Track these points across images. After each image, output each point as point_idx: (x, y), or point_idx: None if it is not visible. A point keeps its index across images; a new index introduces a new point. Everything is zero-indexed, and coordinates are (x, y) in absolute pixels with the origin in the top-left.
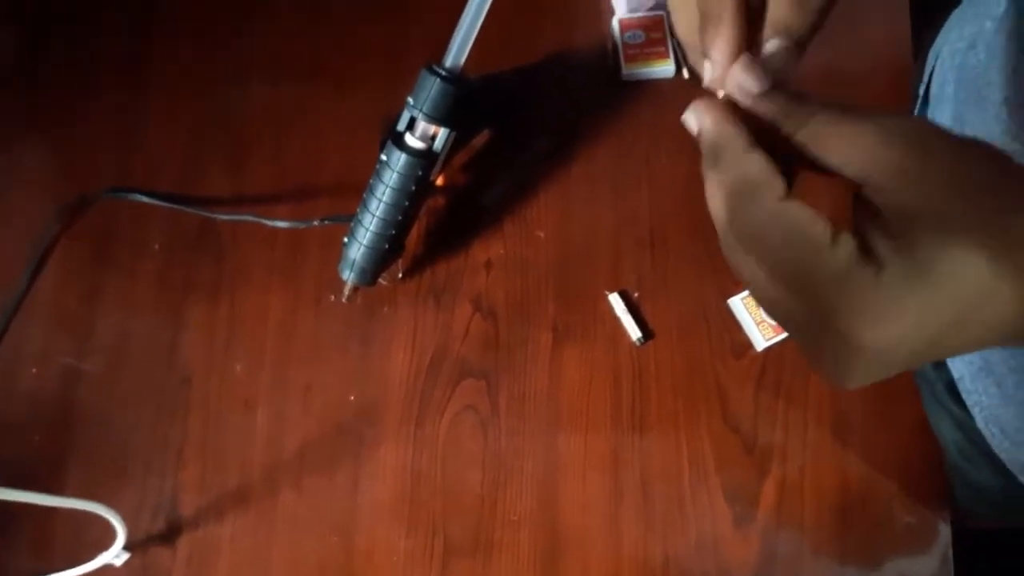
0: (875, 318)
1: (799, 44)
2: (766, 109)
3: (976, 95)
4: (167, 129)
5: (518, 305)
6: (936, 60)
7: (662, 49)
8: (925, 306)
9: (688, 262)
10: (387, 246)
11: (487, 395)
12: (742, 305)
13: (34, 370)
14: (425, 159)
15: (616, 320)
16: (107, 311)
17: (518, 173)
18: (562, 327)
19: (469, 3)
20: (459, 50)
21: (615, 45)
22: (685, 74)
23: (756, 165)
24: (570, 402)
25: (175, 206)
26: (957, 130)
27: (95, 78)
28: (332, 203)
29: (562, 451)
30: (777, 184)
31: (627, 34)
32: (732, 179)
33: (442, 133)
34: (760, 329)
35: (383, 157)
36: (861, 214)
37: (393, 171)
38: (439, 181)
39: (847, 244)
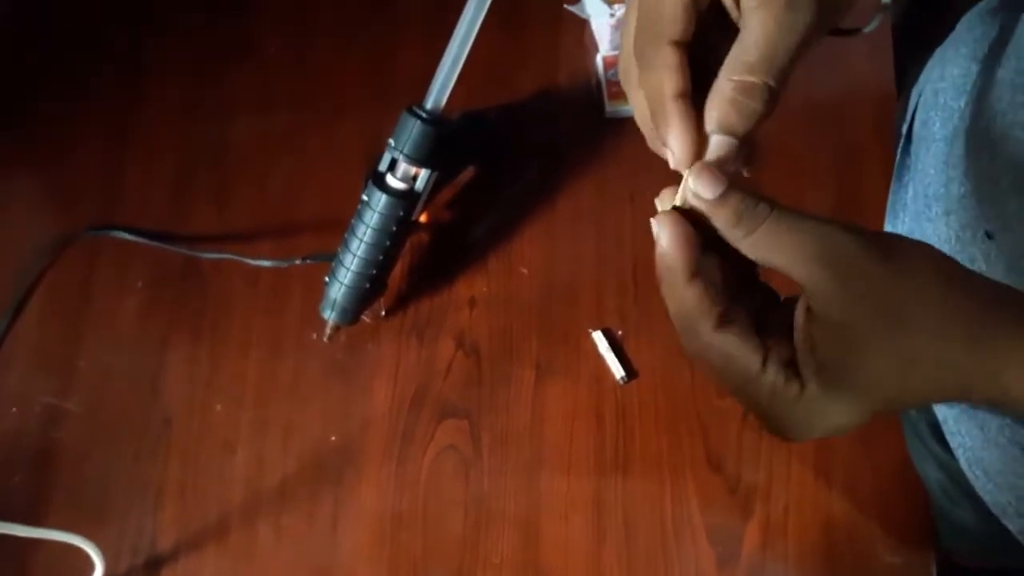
0: (798, 427)
1: (770, 98)
2: (719, 214)
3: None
4: (153, 166)
5: (501, 342)
6: (919, 99)
7: None
8: (842, 414)
9: None
10: (368, 285)
11: (469, 435)
12: None
13: (14, 409)
14: (406, 199)
15: (600, 358)
16: (89, 350)
17: (501, 208)
18: (545, 365)
19: (450, 45)
20: (440, 91)
21: (599, 82)
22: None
23: (693, 298)
24: (553, 441)
25: (157, 243)
26: (945, 173)
27: (83, 116)
28: (316, 240)
29: (544, 491)
30: (712, 316)
31: (611, 71)
32: (674, 308)
33: (423, 174)
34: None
35: (364, 197)
36: (802, 312)
37: (374, 211)
38: (423, 218)
39: (772, 370)
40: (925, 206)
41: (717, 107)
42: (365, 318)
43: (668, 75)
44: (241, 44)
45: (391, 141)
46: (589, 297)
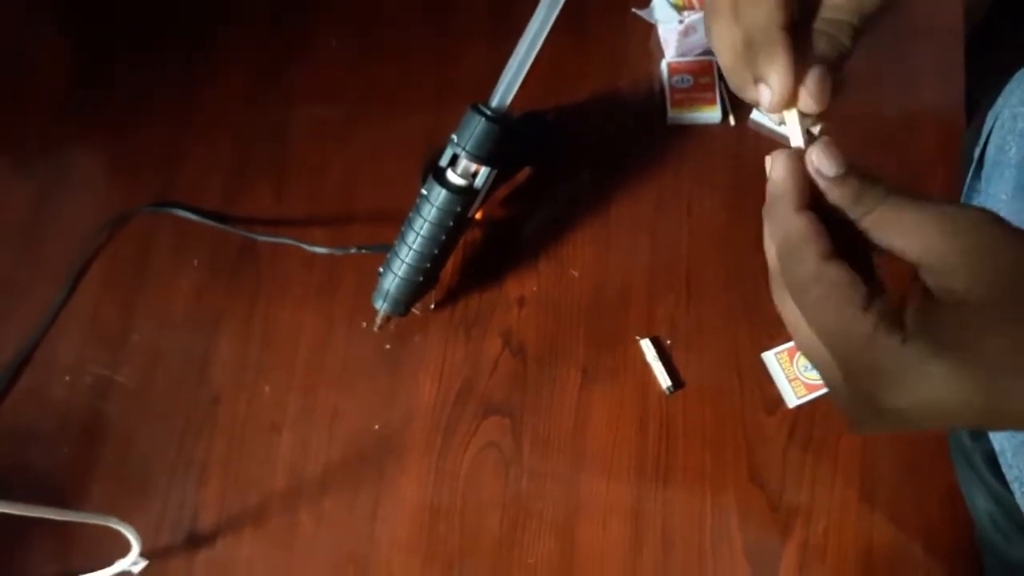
0: (890, 383)
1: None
2: (841, 191)
3: None
4: (214, 150)
5: (548, 344)
6: (995, 122)
7: (710, 95)
8: (939, 384)
9: (723, 313)
10: (422, 278)
11: (511, 433)
12: (775, 360)
13: (67, 378)
14: (465, 195)
15: (646, 367)
16: (142, 324)
17: (555, 209)
18: (591, 369)
19: (519, 45)
20: (506, 91)
21: (662, 88)
22: (731, 121)
23: (802, 225)
24: (594, 446)
25: (214, 223)
26: (1020, 200)
27: (148, 98)
28: (370, 230)
29: (583, 496)
30: (821, 244)
31: (675, 78)
32: (782, 234)
33: (483, 171)
34: (793, 386)
35: (424, 191)
36: (913, 288)
37: (432, 206)
38: (478, 215)
39: (878, 309)
40: None
41: (816, 40)
42: (415, 311)
43: (776, 6)
44: (304, 37)
45: (454, 136)
46: (639, 304)
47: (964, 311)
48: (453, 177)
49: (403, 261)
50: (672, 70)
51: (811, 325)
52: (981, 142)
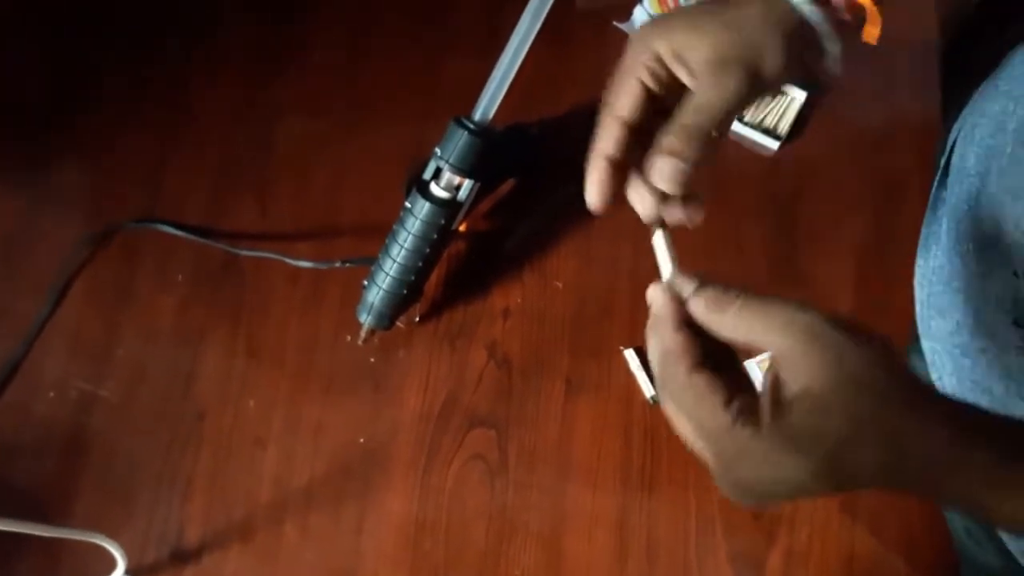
0: (749, 467)
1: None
2: (696, 303)
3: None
4: (198, 163)
5: (533, 355)
6: (959, 133)
7: None
8: (788, 466)
9: None
10: (406, 291)
11: (496, 445)
12: (757, 369)
13: (51, 394)
14: (449, 208)
15: (631, 376)
16: (127, 340)
17: (538, 221)
18: (576, 380)
19: (501, 59)
20: (489, 104)
21: None
22: (714, 133)
23: (677, 344)
24: (580, 457)
25: (197, 238)
26: (978, 210)
27: (132, 111)
28: (354, 243)
29: (569, 507)
30: (689, 359)
31: None
32: (660, 352)
33: (467, 184)
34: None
35: (407, 204)
36: (770, 379)
37: (416, 219)
38: (461, 228)
39: (736, 407)
40: (956, 241)
41: (654, 160)
42: (400, 323)
43: (603, 135)
44: (290, 48)
45: (437, 150)
46: (623, 314)
47: (803, 401)
48: (437, 190)
49: (387, 274)
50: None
51: (688, 424)
52: (946, 151)
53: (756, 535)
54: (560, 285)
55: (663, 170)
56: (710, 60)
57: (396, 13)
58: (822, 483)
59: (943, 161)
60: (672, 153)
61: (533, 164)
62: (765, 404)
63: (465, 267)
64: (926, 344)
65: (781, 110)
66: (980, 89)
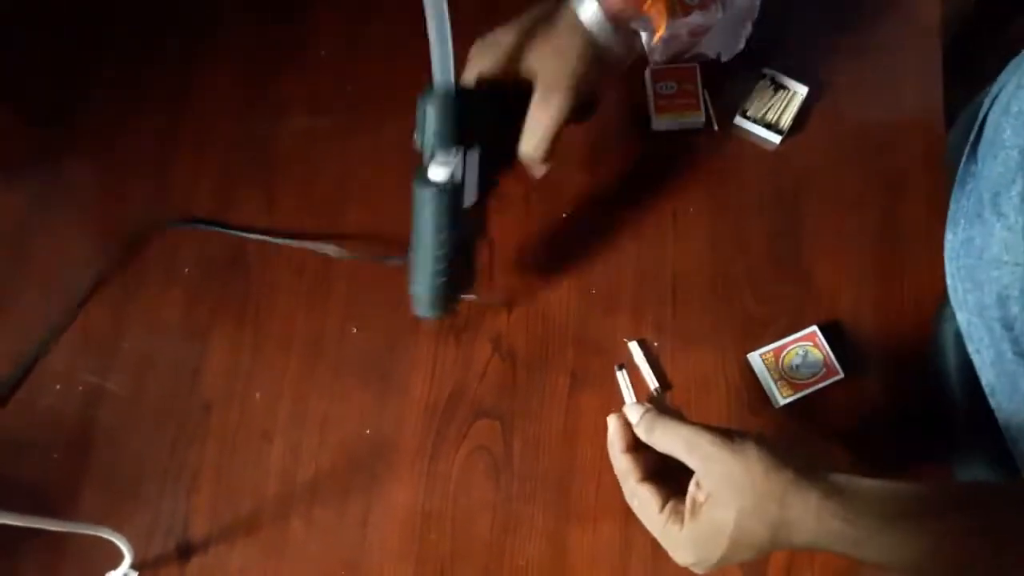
0: (678, 553)
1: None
2: (637, 430)
3: None
4: (201, 160)
5: (537, 348)
6: (991, 106)
7: (694, 101)
8: (703, 549)
9: (710, 316)
10: (446, 278)
11: (501, 437)
12: (761, 361)
13: (58, 387)
14: (450, 187)
15: (635, 369)
16: (134, 333)
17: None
18: (580, 373)
19: (428, 17)
20: (441, 66)
21: (647, 95)
22: (715, 126)
23: (627, 462)
24: (584, 449)
25: (240, 233)
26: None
27: (135, 111)
28: (360, 237)
29: (573, 499)
30: (636, 473)
31: (659, 84)
32: (616, 465)
33: (456, 154)
34: (779, 386)
35: (414, 195)
36: (693, 484)
37: (424, 207)
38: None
39: (666, 512)
40: (995, 213)
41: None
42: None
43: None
44: (292, 46)
45: (415, 135)
46: (626, 308)
47: (708, 503)
48: (433, 173)
49: (420, 267)
50: (656, 76)
51: (639, 515)
52: (976, 126)
53: None
54: (565, 280)
55: (535, 172)
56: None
57: (394, 9)
58: (736, 556)
59: (972, 137)
60: (532, 160)
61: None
62: (688, 507)
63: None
64: (961, 316)
65: (783, 105)
66: (1013, 63)
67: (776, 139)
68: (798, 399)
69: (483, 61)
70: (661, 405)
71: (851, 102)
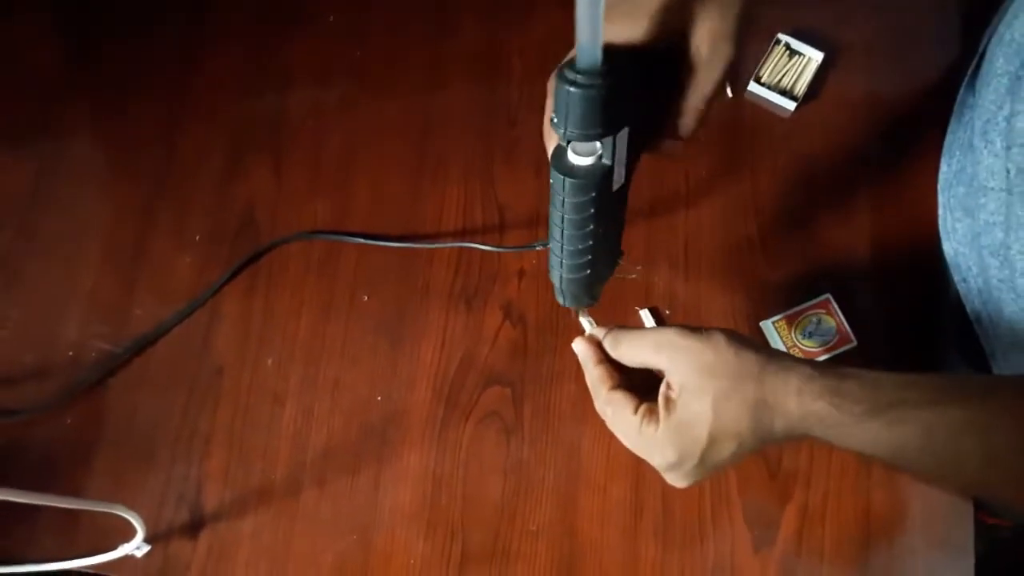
0: (656, 453)
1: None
2: (605, 344)
3: None
4: (208, 129)
5: (548, 315)
6: (988, 40)
7: None
8: (681, 446)
9: (721, 283)
10: (589, 270)
11: (512, 403)
12: (773, 328)
13: (70, 353)
14: (596, 176)
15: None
16: (144, 299)
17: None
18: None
19: None
20: (589, 43)
21: None
22: (729, 93)
23: (598, 373)
24: (594, 414)
25: (361, 240)
26: (1009, 107)
27: (142, 81)
28: (371, 209)
29: (584, 463)
30: (608, 383)
31: None
32: (589, 377)
33: (605, 143)
34: (791, 354)
35: (551, 180)
36: (663, 384)
37: (562, 197)
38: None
39: (640, 413)
40: (983, 140)
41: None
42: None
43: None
44: (299, 12)
45: (553, 117)
46: (638, 275)
47: (681, 396)
48: (575, 159)
49: (560, 258)
50: None
51: (614, 429)
52: (975, 59)
53: (771, 492)
54: None
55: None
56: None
57: None
58: (719, 452)
59: (971, 67)
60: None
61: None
62: (661, 405)
63: (480, 227)
64: (948, 246)
65: (798, 71)
66: None
67: (791, 106)
68: None
69: (622, 24)
70: (623, 326)
71: (867, 67)
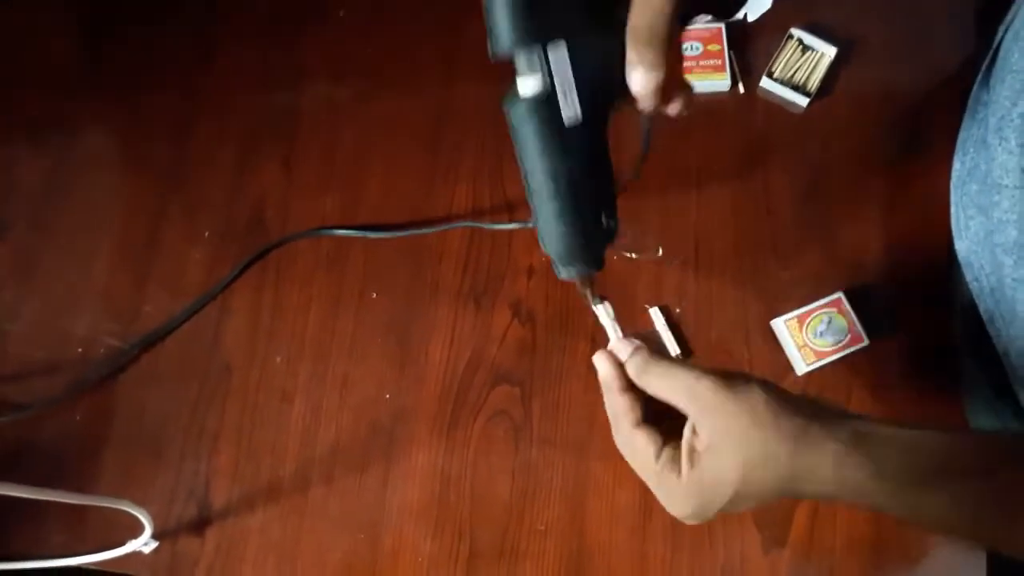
0: (674, 504)
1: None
2: (629, 369)
3: None
4: (222, 123)
5: (557, 313)
6: (1004, 35)
7: (719, 62)
8: (701, 501)
9: (732, 281)
10: (570, 225)
11: (521, 402)
12: (784, 327)
13: (80, 350)
14: (538, 103)
15: (656, 334)
16: (154, 296)
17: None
18: (600, 338)
19: None
20: None
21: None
22: (741, 88)
23: (621, 404)
24: (603, 414)
25: (369, 234)
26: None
27: (155, 76)
28: (381, 205)
29: (593, 463)
30: (631, 416)
31: (684, 45)
32: (609, 409)
33: (549, 55)
34: (802, 353)
35: (508, 123)
36: (689, 429)
37: (514, 133)
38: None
39: (663, 460)
40: (998, 137)
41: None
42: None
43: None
44: (312, 11)
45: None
46: (649, 273)
47: (708, 451)
48: (521, 85)
49: (540, 216)
50: (681, 37)
51: (633, 464)
52: (990, 53)
53: None
54: None
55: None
56: None
57: None
58: (736, 508)
59: (985, 65)
60: (644, 67)
61: None
62: (684, 454)
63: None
64: (961, 245)
65: (811, 66)
66: None
67: (803, 101)
68: (821, 366)
69: None
70: (652, 343)
71: (881, 62)
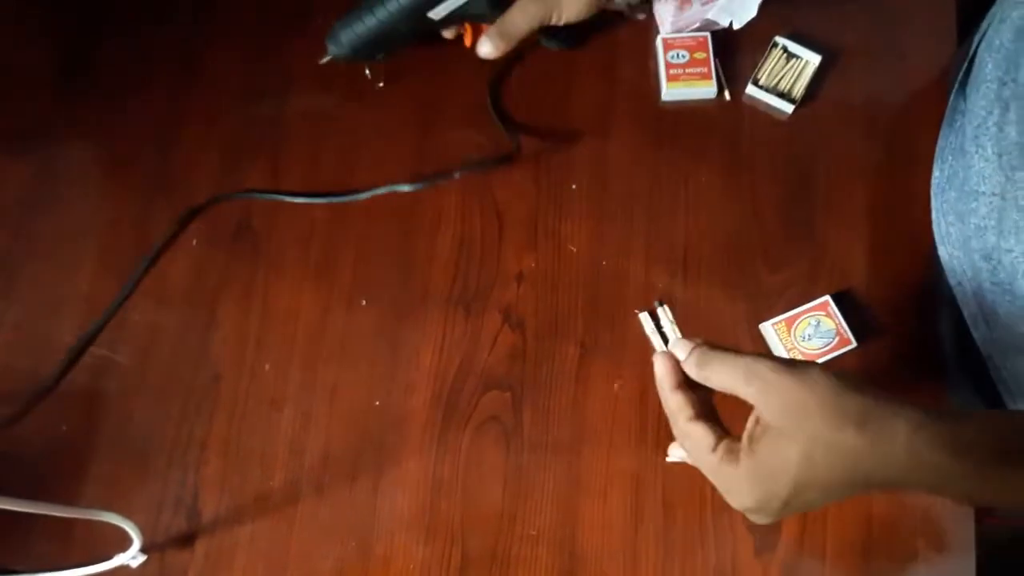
0: (734, 495)
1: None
2: (687, 367)
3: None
4: (207, 130)
5: (547, 319)
6: (978, 44)
7: (705, 70)
8: (763, 489)
9: (721, 285)
10: (367, 19)
11: (512, 407)
12: (773, 331)
13: (64, 359)
14: None
15: (645, 339)
16: (141, 303)
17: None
18: (590, 343)
19: None
20: None
21: (656, 64)
22: (727, 96)
23: (677, 400)
24: (594, 419)
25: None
26: (997, 114)
27: (140, 84)
28: (369, 212)
29: (584, 468)
30: (686, 412)
31: (670, 53)
32: (666, 404)
33: None
34: (791, 356)
35: None
36: (752, 418)
37: None
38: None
39: (721, 450)
40: (975, 145)
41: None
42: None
43: None
44: (297, 13)
45: None
46: (637, 278)
47: (768, 436)
48: None
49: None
50: (667, 46)
51: (691, 459)
52: (965, 64)
53: None
54: (574, 249)
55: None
56: None
57: None
58: (802, 499)
59: (960, 74)
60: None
61: None
62: (744, 443)
63: (479, 232)
64: (943, 250)
65: (796, 74)
66: (998, 3)
67: (789, 108)
68: None
69: None
70: (711, 343)
71: (865, 70)
